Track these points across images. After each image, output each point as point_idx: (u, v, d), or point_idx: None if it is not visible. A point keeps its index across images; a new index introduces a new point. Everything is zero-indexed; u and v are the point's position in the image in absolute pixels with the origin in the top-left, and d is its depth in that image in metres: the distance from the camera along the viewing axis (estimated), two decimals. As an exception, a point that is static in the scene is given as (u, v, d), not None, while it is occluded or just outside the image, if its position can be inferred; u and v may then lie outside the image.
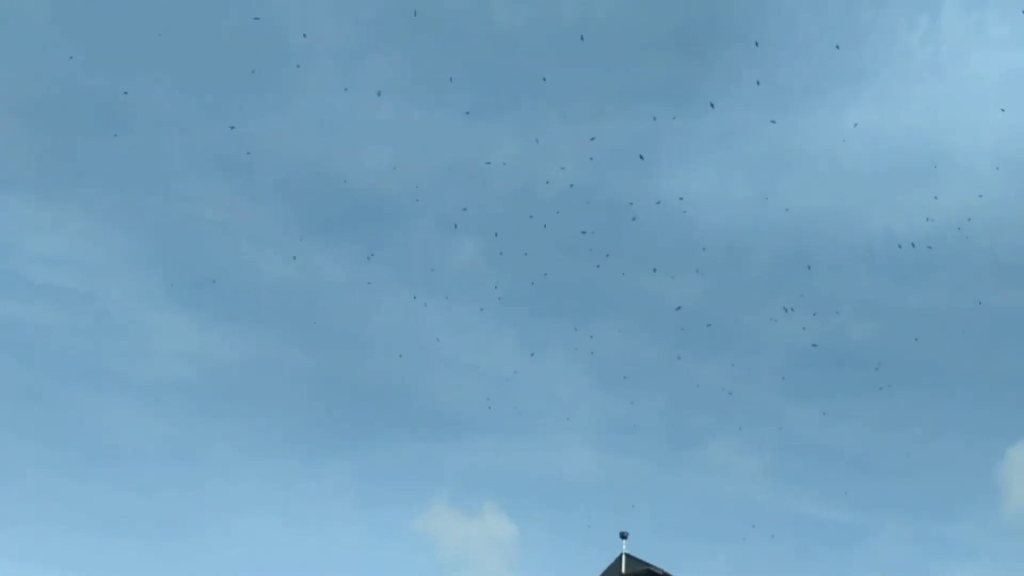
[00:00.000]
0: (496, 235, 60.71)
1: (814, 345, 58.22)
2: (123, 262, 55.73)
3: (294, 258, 59.35)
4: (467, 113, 59.59)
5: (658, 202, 57.13)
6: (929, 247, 57.56)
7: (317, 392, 60.06)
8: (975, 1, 54.84)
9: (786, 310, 61.01)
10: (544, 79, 52.95)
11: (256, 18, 47.95)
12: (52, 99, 55.33)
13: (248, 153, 56.19)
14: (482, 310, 62.57)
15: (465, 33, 56.81)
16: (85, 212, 55.41)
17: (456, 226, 59.27)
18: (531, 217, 60.21)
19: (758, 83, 39.83)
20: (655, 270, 60.79)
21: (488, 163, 56.63)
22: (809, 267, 61.01)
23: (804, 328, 60.48)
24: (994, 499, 58.46)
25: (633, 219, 57.22)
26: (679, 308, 62.56)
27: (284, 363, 59.04)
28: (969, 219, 49.80)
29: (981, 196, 50.09)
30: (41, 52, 52.42)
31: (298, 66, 54.64)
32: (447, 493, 58.22)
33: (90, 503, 49.21)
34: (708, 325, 62.83)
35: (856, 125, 52.02)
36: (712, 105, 51.23)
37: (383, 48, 57.67)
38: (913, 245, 57.54)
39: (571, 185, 59.60)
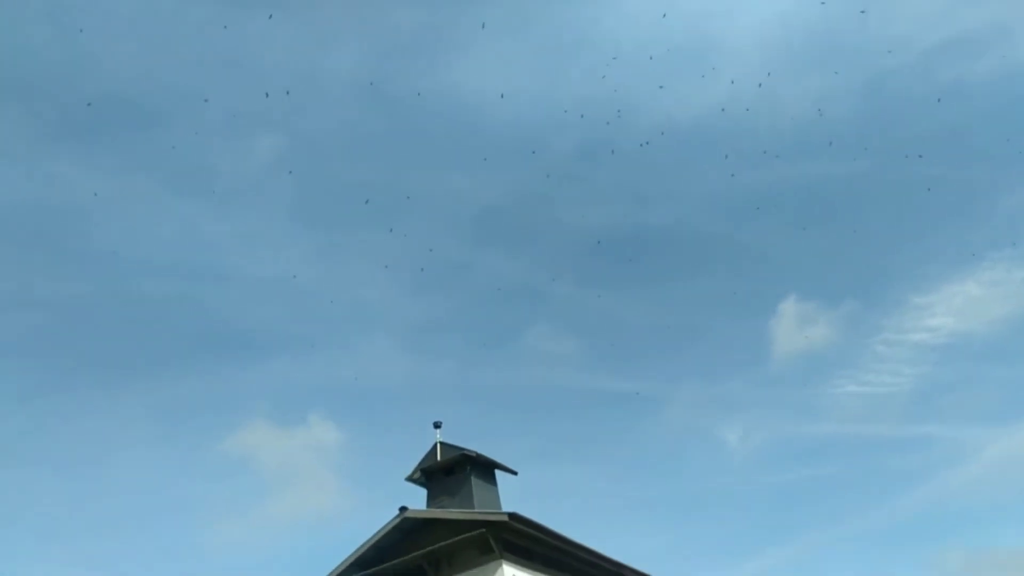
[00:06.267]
0: (283, 137, 57.53)
1: (599, 241, 60.75)
2: None
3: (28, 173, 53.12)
4: None
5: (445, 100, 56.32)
6: (694, 131, 60.96)
7: (91, 323, 55.53)
8: None
9: (577, 201, 62.96)
10: None
11: None
12: None
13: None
14: (272, 217, 59.73)
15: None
16: None
17: (237, 127, 55.50)
18: (324, 115, 57.55)
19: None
20: (452, 167, 60.47)
21: (261, 54, 53.07)
22: (596, 158, 63.03)
23: (592, 218, 62.75)
24: (764, 355, 64.72)
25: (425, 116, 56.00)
26: (485, 207, 62.80)
27: (47, 293, 53.93)
28: (749, 101, 52.75)
29: (736, 81, 53.38)
30: None
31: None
32: (265, 410, 56.56)
33: None
34: (508, 220, 63.74)
35: (665, 15, 53.72)
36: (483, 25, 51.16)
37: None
38: (684, 130, 60.41)
39: (365, 80, 57.32)
